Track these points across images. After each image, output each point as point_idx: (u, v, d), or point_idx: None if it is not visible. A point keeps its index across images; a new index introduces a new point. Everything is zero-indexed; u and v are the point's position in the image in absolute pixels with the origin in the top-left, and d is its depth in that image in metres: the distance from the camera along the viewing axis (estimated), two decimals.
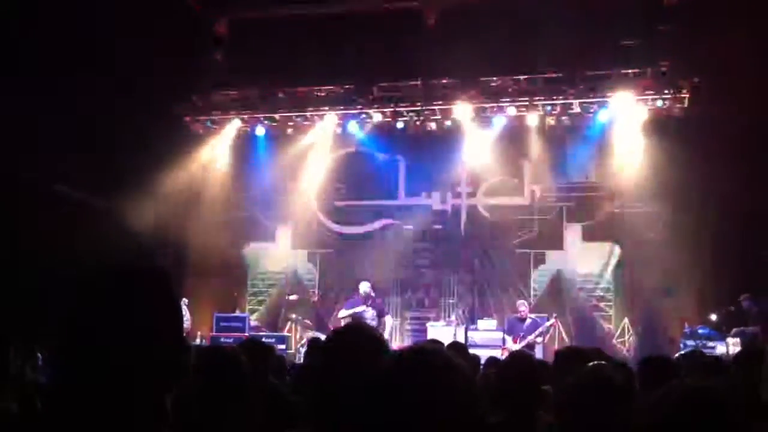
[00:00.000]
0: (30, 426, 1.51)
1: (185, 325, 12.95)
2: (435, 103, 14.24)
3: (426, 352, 1.69)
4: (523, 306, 12.46)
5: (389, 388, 1.59)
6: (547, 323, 12.18)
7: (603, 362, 3.85)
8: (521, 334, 11.96)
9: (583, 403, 2.77)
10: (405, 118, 14.52)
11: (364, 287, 12.32)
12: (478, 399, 1.62)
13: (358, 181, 15.22)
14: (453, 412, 1.55)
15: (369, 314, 12.03)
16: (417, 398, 1.55)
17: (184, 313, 13.16)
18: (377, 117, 14.51)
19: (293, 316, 13.36)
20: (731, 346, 10.48)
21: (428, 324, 13.39)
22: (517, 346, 11.62)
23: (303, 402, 3.22)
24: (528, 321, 12.12)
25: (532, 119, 13.92)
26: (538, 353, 11.38)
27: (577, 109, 13.72)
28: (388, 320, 12.60)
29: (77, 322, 1.48)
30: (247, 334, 12.82)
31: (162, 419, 1.50)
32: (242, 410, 3.02)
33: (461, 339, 11.81)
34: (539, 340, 12.00)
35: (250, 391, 3.12)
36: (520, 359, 4.38)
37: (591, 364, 3.44)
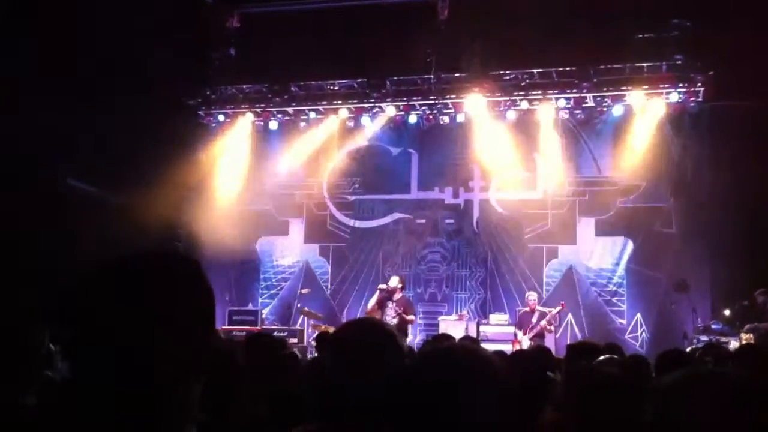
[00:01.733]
0: (50, 423, 1.45)
1: None
2: (448, 96, 14.24)
3: (455, 350, 1.67)
4: (532, 297, 12.46)
5: (416, 386, 1.57)
6: (555, 310, 12.18)
7: (614, 356, 3.85)
8: (530, 325, 11.95)
9: (602, 403, 2.75)
10: (418, 112, 14.53)
11: (393, 282, 12.05)
12: (504, 396, 1.60)
13: (370, 175, 15.21)
14: (481, 410, 1.53)
15: (390, 312, 11.71)
16: (445, 395, 1.53)
17: None
18: (390, 111, 14.51)
19: (305, 309, 13.38)
20: (744, 341, 10.42)
21: (440, 318, 13.40)
22: (527, 338, 11.67)
23: (312, 397, 3.22)
24: (537, 314, 12.13)
25: (546, 113, 13.88)
26: (550, 344, 11.38)
27: (590, 103, 13.68)
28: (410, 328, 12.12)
29: (99, 314, 1.40)
30: (259, 327, 12.86)
31: (189, 414, 1.45)
32: (238, 405, 3.00)
33: (473, 333, 11.81)
34: (551, 328, 12.02)
35: (247, 387, 3.11)
36: (529, 355, 4.38)
37: (601, 357, 3.43)
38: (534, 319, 12.03)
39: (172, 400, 1.41)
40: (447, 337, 6.25)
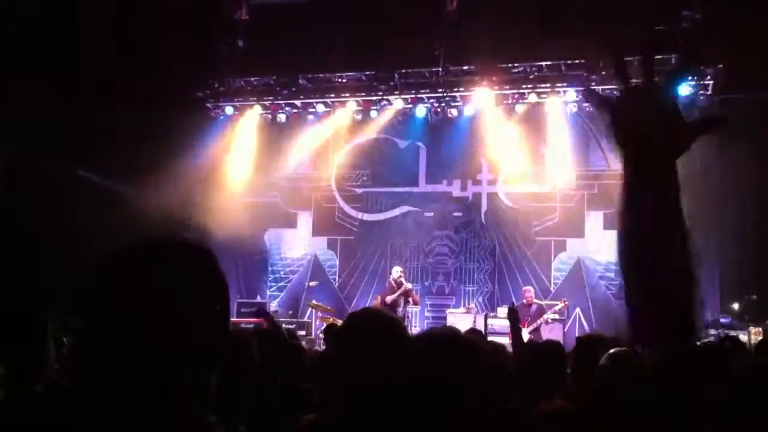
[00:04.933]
0: (61, 412, 1.43)
1: None
2: (456, 89, 14.20)
3: (452, 338, 1.68)
4: (529, 292, 12.50)
5: (416, 371, 1.58)
6: (557, 306, 12.23)
7: (624, 348, 3.84)
8: (528, 319, 11.98)
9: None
10: (426, 105, 14.50)
11: (395, 273, 12.16)
12: (502, 382, 1.61)
13: (378, 168, 15.21)
14: (478, 395, 1.54)
15: (400, 303, 11.82)
16: (442, 379, 1.54)
17: None
18: (398, 104, 14.49)
19: (313, 302, 13.40)
20: (753, 335, 10.39)
21: (448, 311, 13.40)
22: (526, 331, 11.70)
23: (318, 388, 3.24)
24: (534, 306, 12.17)
25: (554, 106, 13.84)
26: (558, 338, 11.37)
27: None
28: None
29: (110, 302, 1.37)
30: None
31: (206, 404, 1.43)
32: (247, 395, 3.01)
33: (481, 326, 11.82)
34: (551, 320, 12.10)
35: (258, 376, 3.12)
36: (538, 347, 4.38)
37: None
38: (531, 312, 12.07)
39: (188, 391, 1.39)
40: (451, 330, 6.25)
